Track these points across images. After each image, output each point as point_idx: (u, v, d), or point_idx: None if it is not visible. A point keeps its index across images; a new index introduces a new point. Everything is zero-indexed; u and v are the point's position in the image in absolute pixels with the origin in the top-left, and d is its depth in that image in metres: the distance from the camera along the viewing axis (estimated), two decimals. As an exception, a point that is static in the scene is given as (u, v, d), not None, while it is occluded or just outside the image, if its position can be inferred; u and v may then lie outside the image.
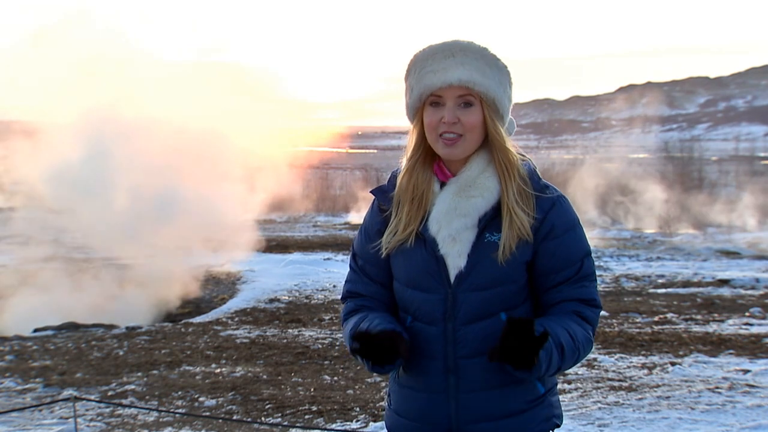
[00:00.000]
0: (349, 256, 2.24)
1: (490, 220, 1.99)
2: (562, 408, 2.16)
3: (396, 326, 2.01)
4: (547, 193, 2.02)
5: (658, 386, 6.85)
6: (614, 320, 10.67)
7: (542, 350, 1.82)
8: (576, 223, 2.04)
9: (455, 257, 1.98)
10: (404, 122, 2.10)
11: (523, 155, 2.08)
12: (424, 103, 2.00)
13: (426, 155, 2.05)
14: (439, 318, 2.01)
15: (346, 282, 2.22)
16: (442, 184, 2.04)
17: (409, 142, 2.07)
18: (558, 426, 2.09)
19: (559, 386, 7.04)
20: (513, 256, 1.96)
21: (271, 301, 12.67)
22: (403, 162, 2.09)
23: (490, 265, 1.97)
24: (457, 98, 1.96)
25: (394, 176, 2.12)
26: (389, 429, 2.16)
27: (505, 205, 1.97)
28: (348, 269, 2.23)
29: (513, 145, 2.05)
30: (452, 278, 1.99)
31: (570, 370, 7.57)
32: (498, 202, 1.99)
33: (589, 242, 2.12)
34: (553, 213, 2.00)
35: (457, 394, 2.01)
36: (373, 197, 2.15)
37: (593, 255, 2.10)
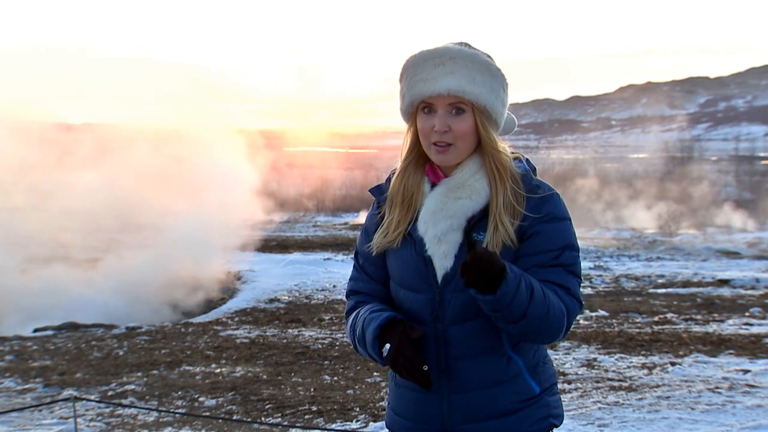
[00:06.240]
0: (349, 256, 2.25)
1: (478, 221, 1.99)
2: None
3: (387, 311, 2.02)
4: (539, 192, 2.01)
5: (658, 386, 6.85)
6: (614, 320, 10.67)
7: (510, 273, 1.80)
8: (564, 216, 2.02)
9: (441, 258, 1.99)
10: (403, 123, 2.11)
11: (519, 155, 2.08)
12: (417, 108, 2.02)
13: (419, 157, 2.07)
14: (429, 319, 2.02)
15: (349, 279, 2.25)
16: (434, 185, 2.05)
17: (404, 143, 2.09)
18: (556, 426, 2.08)
19: (558, 386, 7.05)
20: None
21: (271, 301, 12.67)
22: (399, 163, 2.11)
23: None
24: (448, 106, 1.97)
25: (390, 175, 2.14)
26: (388, 428, 2.19)
27: (492, 212, 1.97)
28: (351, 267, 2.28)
29: (507, 146, 2.06)
30: (439, 279, 2.00)
31: (570, 370, 7.57)
32: (487, 204, 1.99)
33: (578, 241, 2.07)
34: (542, 208, 2.00)
35: (450, 395, 2.03)
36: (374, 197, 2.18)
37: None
